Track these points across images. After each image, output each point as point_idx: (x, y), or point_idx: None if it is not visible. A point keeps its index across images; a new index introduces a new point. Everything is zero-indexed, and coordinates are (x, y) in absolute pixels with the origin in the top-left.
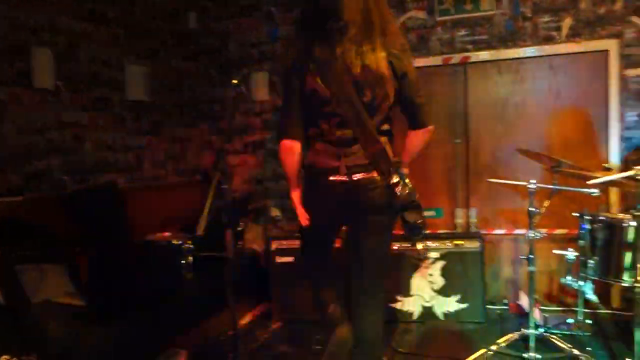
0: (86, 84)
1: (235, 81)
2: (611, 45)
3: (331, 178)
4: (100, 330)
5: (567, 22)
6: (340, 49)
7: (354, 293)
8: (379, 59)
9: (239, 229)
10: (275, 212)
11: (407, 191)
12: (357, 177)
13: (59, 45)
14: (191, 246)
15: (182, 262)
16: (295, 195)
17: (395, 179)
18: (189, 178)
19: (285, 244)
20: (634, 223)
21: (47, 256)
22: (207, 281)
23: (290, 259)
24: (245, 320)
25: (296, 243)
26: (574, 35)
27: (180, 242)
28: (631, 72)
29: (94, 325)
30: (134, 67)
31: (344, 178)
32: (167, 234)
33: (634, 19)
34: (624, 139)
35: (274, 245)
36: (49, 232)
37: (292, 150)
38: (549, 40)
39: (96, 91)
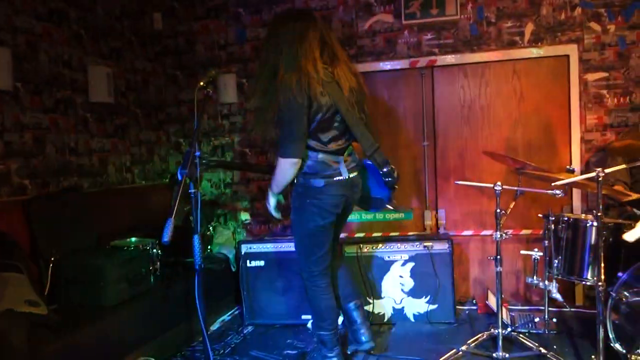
0: (47, 85)
1: (202, 83)
2: (571, 51)
3: (336, 179)
4: (63, 339)
5: (529, 28)
6: (337, 71)
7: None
8: (359, 79)
9: (208, 233)
10: (245, 216)
11: (396, 171)
12: (352, 175)
13: (18, 45)
14: (159, 252)
15: (150, 268)
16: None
17: (391, 166)
18: (156, 182)
19: (255, 247)
20: (595, 223)
21: (7, 264)
22: (175, 287)
23: (260, 262)
24: (216, 325)
25: (267, 246)
26: (536, 40)
27: (147, 247)
28: (591, 77)
29: (57, 334)
30: (97, 67)
31: (345, 177)
32: (133, 238)
33: (592, 24)
34: (585, 141)
35: (244, 249)
36: (9, 239)
37: (297, 166)
38: (512, 44)
39: (57, 93)
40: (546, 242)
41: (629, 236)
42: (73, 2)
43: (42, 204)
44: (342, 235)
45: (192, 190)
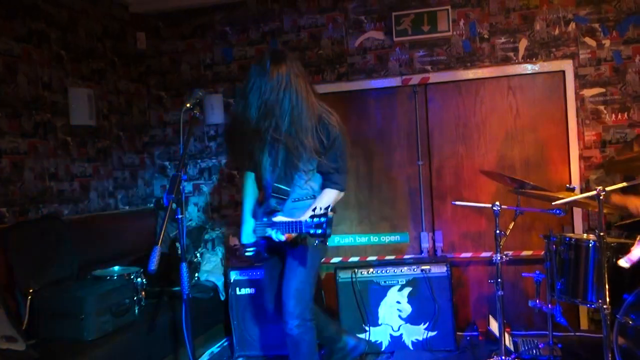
0: (26, 108)
1: (188, 105)
2: (567, 66)
3: None
4: None
5: (523, 43)
6: None
7: None
8: None
9: (195, 260)
10: (234, 241)
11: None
12: None
13: None
14: (144, 281)
15: (134, 298)
16: None
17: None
18: (140, 207)
19: (245, 274)
20: (598, 243)
21: None
22: (161, 318)
23: (250, 290)
24: (205, 358)
25: (258, 273)
26: (531, 56)
27: (131, 276)
28: (587, 92)
29: None
30: (78, 89)
31: None
32: (116, 267)
33: (587, 39)
34: (583, 158)
35: (233, 276)
36: None
37: None
38: (506, 60)
39: (36, 116)
40: (548, 263)
41: (625, 262)
42: (53, 23)
43: (19, 232)
44: (336, 259)
45: (179, 216)
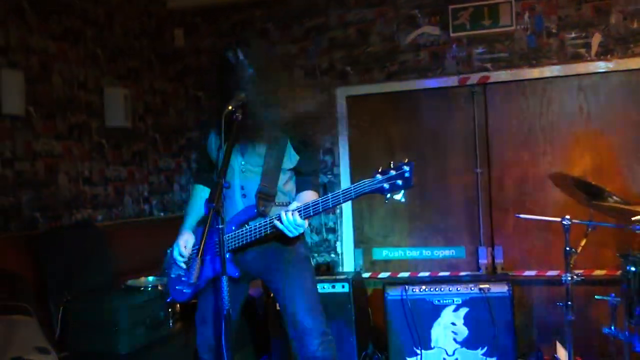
0: (60, 109)
1: (230, 107)
2: None
3: None
4: None
5: (596, 39)
6: None
7: None
8: None
9: None
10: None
11: None
12: None
13: (31, 67)
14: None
15: (169, 310)
16: None
17: None
18: (176, 214)
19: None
20: None
21: (16, 306)
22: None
23: None
24: None
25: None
26: (605, 52)
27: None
28: None
29: None
30: (114, 89)
31: None
32: (150, 278)
33: None
34: None
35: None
36: (18, 278)
37: None
38: (577, 58)
39: (71, 117)
40: (625, 285)
41: None
42: (89, 21)
43: (52, 239)
44: (384, 274)
45: (219, 226)
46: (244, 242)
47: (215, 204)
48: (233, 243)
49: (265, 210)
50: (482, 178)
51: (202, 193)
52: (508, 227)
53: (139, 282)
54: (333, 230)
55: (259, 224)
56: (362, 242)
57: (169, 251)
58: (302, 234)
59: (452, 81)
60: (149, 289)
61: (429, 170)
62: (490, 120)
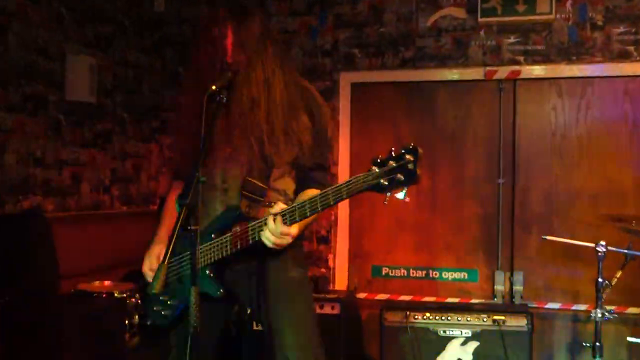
0: (14, 77)
1: (214, 87)
2: None
3: None
4: None
5: None
6: None
7: None
8: None
9: None
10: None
11: None
12: None
13: None
14: (139, 302)
15: (126, 323)
16: None
17: None
18: (142, 208)
19: None
20: None
21: None
22: (159, 350)
23: None
24: None
25: None
26: None
27: (124, 295)
28: None
29: None
30: (78, 58)
31: None
32: (107, 282)
33: None
34: None
35: None
36: None
37: None
38: (624, 56)
39: (26, 87)
40: None
41: None
42: None
43: None
44: (382, 296)
45: (192, 227)
46: (225, 253)
47: (189, 200)
48: (212, 254)
49: (250, 212)
50: (504, 190)
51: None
52: (531, 250)
53: (92, 287)
54: (325, 240)
55: (241, 231)
56: (358, 255)
57: (147, 258)
58: (298, 247)
59: (476, 74)
60: (104, 295)
61: (442, 176)
62: (518, 123)
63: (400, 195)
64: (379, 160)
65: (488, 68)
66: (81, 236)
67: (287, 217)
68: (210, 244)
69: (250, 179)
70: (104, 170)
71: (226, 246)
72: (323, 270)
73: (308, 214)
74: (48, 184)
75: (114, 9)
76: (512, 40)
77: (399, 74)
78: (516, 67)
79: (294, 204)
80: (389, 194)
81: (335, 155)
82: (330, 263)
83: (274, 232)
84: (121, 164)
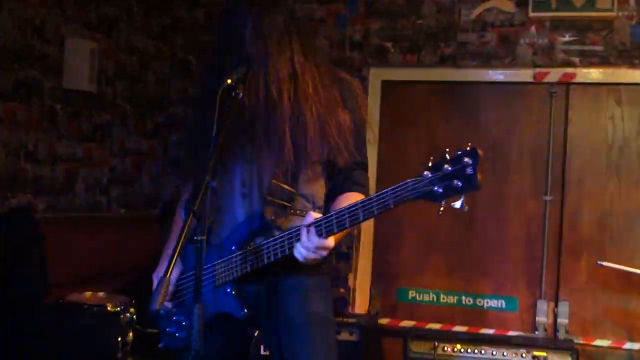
0: (6, 60)
1: (229, 80)
2: None
3: None
4: None
5: None
6: None
7: None
8: None
9: None
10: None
11: None
12: None
13: None
14: (134, 317)
15: (119, 339)
16: None
17: None
18: (142, 212)
19: None
20: None
21: None
22: None
23: None
24: None
25: None
26: None
27: (118, 308)
28: None
29: None
30: (78, 41)
31: None
32: (100, 294)
33: None
34: None
35: None
36: None
37: None
38: None
39: (19, 71)
40: None
41: None
42: None
43: None
44: (407, 323)
45: (198, 237)
46: (248, 269)
47: (197, 208)
48: (234, 270)
49: (276, 221)
50: (551, 208)
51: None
52: (580, 278)
53: (83, 298)
54: (346, 257)
55: (268, 244)
56: (383, 276)
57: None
58: (327, 266)
59: (525, 75)
60: (95, 308)
61: (481, 190)
62: (570, 132)
63: (457, 204)
64: (430, 164)
65: (538, 69)
66: (74, 240)
67: (323, 228)
68: (231, 259)
69: (276, 181)
70: (102, 168)
71: (250, 261)
72: (342, 290)
73: (347, 224)
74: (40, 181)
75: None
76: (566, 38)
77: (436, 73)
78: (570, 70)
79: (331, 213)
80: (443, 203)
81: None
82: (350, 283)
83: (308, 246)
84: (121, 161)
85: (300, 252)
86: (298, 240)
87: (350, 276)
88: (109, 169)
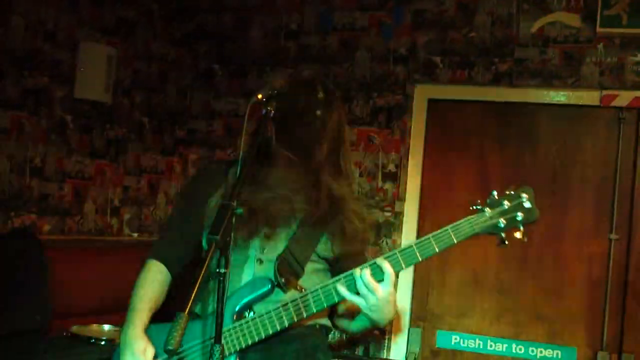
0: (15, 65)
1: (260, 96)
2: None
3: None
4: None
5: None
6: None
7: None
8: None
9: None
10: None
11: None
12: None
13: None
14: None
15: None
16: None
17: None
18: (155, 237)
19: None
20: None
21: None
22: None
23: None
24: None
25: None
26: None
27: None
28: None
29: None
30: (94, 46)
31: None
32: (107, 327)
33: None
34: None
35: None
36: None
37: None
38: None
39: (29, 78)
40: None
41: None
42: None
43: None
44: None
45: (221, 270)
46: (255, 339)
47: (220, 237)
48: (242, 337)
49: (287, 285)
50: (616, 248)
51: (157, 275)
52: None
53: (89, 331)
54: None
55: (282, 306)
56: (422, 318)
57: None
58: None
59: (590, 98)
60: (102, 343)
61: (537, 225)
62: None
63: (518, 235)
64: (487, 201)
65: (605, 92)
66: (81, 266)
67: (393, 262)
68: (236, 327)
69: (293, 251)
70: (114, 188)
71: (264, 326)
72: (376, 332)
73: (419, 258)
74: (46, 199)
75: None
76: (638, 58)
77: (490, 92)
78: None
79: (394, 250)
80: (504, 236)
81: (401, 188)
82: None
83: (382, 297)
84: (135, 180)
85: (369, 306)
86: (343, 288)
87: None
88: (122, 189)
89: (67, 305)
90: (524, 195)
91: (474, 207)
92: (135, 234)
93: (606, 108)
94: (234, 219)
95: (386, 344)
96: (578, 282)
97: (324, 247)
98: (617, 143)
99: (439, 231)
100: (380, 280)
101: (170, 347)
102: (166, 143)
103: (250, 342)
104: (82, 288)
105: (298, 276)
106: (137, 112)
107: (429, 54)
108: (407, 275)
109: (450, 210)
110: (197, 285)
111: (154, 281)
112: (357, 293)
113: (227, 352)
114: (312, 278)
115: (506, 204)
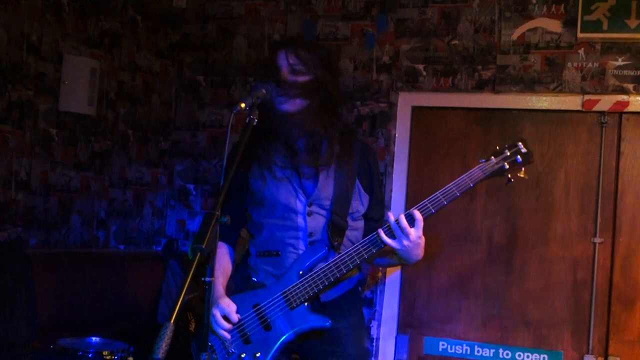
0: (0, 78)
1: (243, 105)
2: None
3: None
4: None
5: None
6: None
7: None
8: None
9: None
10: None
11: None
12: None
13: None
14: None
15: None
16: None
17: None
18: (142, 249)
19: None
20: None
21: None
22: None
23: None
24: None
25: None
26: None
27: (115, 356)
28: None
29: None
30: (78, 59)
31: None
32: (95, 339)
33: None
34: None
35: None
36: None
37: None
38: None
39: (12, 92)
40: None
41: None
42: None
43: None
44: None
45: (208, 279)
46: (321, 287)
47: (205, 246)
48: (308, 290)
49: (339, 245)
50: (601, 252)
51: (222, 249)
52: (633, 330)
53: (76, 344)
54: (369, 303)
55: (339, 259)
56: (409, 325)
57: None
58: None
59: (572, 103)
60: (90, 355)
61: (521, 229)
62: (622, 167)
63: (522, 174)
64: (493, 154)
65: (587, 97)
66: (68, 279)
67: (423, 209)
68: (303, 281)
69: (336, 214)
70: (100, 200)
71: (326, 275)
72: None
73: (444, 202)
74: (31, 212)
75: (125, 1)
76: (619, 63)
77: (473, 98)
78: (623, 97)
79: (425, 200)
80: (510, 176)
81: (387, 196)
82: (373, 332)
83: (413, 239)
84: (121, 192)
85: (402, 248)
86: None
87: (374, 324)
88: (108, 201)
89: (53, 318)
90: (520, 144)
91: (482, 161)
92: (122, 246)
93: (588, 112)
94: (217, 228)
95: (374, 352)
96: (563, 286)
97: (356, 203)
98: (599, 147)
99: (457, 179)
100: (412, 225)
101: (157, 357)
102: (151, 155)
103: (316, 290)
104: (69, 301)
105: (344, 233)
106: (121, 124)
107: (412, 62)
108: (394, 282)
109: (437, 215)
110: (182, 296)
111: (221, 256)
112: (394, 237)
113: (297, 302)
114: (353, 233)
115: (507, 151)
